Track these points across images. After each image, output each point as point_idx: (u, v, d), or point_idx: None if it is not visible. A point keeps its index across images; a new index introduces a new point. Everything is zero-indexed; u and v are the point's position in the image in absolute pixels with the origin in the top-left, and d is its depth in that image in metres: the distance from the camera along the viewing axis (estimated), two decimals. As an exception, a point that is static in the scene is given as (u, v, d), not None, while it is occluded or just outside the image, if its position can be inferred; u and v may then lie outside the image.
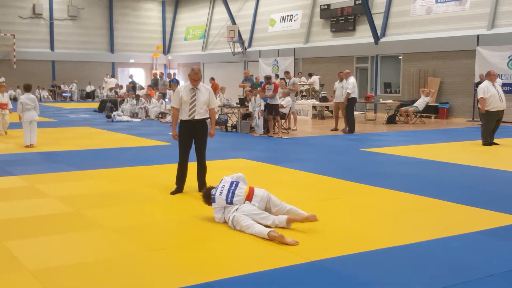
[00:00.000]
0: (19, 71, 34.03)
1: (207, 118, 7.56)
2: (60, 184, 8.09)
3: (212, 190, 5.95)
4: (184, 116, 7.39)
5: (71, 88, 36.17)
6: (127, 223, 5.99)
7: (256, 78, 21.10)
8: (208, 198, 5.97)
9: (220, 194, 5.82)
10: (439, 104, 21.56)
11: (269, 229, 5.31)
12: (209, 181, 7.26)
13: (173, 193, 7.43)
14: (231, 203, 5.77)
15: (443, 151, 12.10)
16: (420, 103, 19.31)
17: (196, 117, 7.35)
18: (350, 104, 15.54)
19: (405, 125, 18.49)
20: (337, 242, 5.29)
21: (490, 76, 12.79)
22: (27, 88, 12.41)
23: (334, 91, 16.34)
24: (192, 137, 7.49)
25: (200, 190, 7.37)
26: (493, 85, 12.71)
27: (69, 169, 9.35)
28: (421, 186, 7.99)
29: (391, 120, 19.03)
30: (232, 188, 5.85)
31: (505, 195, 7.42)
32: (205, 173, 7.56)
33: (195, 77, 7.32)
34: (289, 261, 4.68)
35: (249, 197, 5.83)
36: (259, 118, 14.87)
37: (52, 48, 36.52)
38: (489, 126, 12.69)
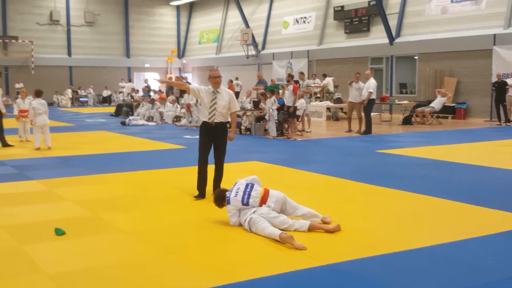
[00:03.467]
0: (37, 77, 34.39)
1: (227, 122, 7.49)
2: (77, 188, 8.18)
3: (226, 192, 5.99)
4: (204, 118, 7.37)
5: (89, 93, 36.43)
6: (144, 227, 6.04)
7: (272, 80, 21.12)
8: (221, 200, 6.00)
9: (235, 196, 5.85)
10: (456, 104, 21.37)
11: (280, 231, 5.32)
12: (224, 184, 7.28)
13: (197, 198, 7.34)
14: (246, 204, 5.79)
15: (460, 152, 12.00)
16: (437, 104, 19.15)
17: (215, 121, 7.29)
18: (369, 104, 15.54)
19: (421, 126, 18.37)
20: (351, 244, 5.28)
21: None
22: (38, 94, 12.91)
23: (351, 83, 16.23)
24: (211, 140, 7.42)
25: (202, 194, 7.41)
26: None
27: (87, 173, 9.45)
28: (438, 187, 7.94)
29: (407, 121, 18.92)
30: (248, 190, 5.88)
31: (523, 196, 7.35)
32: (222, 178, 7.51)
33: (215, 74, 7.27)
34: (304, 264, 4.69)
35: (264, 198, 5.86)
36: (269, 120, 14.91)
37: (69, 53, 36.92)
38: None
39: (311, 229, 5.59)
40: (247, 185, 5.97)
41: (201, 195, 7.40)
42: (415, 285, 4.24)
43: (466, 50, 21.48)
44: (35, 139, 12.66)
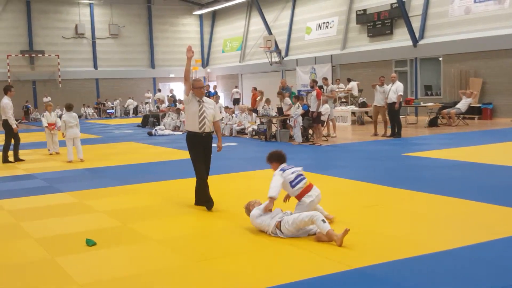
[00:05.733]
0: (65, 90, 35.11)
1: (213, 132, 7.46)
2: (107, 199, 8.34)
3: (285, 164, 6.23)
4: (194, 128, 7.25)
5: (117, 105, 36.92)
6: (174, 235, 6.14)
7: (290, 86, 21.21)
8: (279, 159, 6.23)
9: (292, 173, 6.08)
10: (482, 105, 21.09)
11: (329, 227, 5.44)
12: (252, 192, 7.34)
13: (211, 208, 7.29)
14: (293, 187, 6.01)
15: (488, 153, 11.86)
16: (462, 105, 18.96)
17: (206, 130, 7.26)
18: (398, 107, 15.51)
19: (448, 127, 18.19)
20: (379, 248, 5.29)
21: None
22: (69, 108, 13.14)
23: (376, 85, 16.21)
24: (202, 150, 7.32)
25: (200, 203, 7.36)
26: None
27: (115, 184, 9.61)
28: (465, 189, 7.89)
29: (433, 123, 18.76)
30: (300, 177, 6.12)
31: (552, 196, 7.24)
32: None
33: (201, 84, 7.28)
34: (332, 269, 4.72)
35: (308, 188, 6.09)
36: (295, 126, 14.94)
37: (95, 66, 37.56)
38: None
39: (327, 235, 5.46)
40: (300, 174, 6.17)
41: (210, 204, 7.30)
42: (443, 287, 4.25)
43: (490, 50, 21.21)
44: (68, 152, 12.86)
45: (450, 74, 22.75)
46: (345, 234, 5.37)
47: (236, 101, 30.72)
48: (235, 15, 38.40)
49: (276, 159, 6.27)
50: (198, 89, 7.25)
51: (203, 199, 7.37)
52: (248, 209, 6.18)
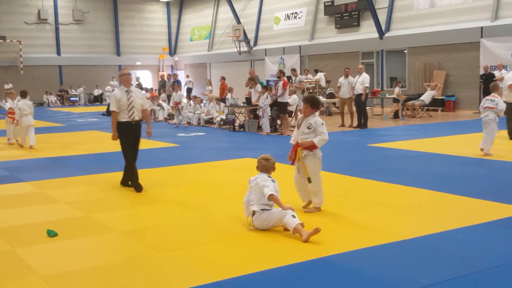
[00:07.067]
0: (27, 77, 34.23)
1: (142, 120, 7.85)
2: (69, 189, 8.17)
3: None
4: (124, 117, 7.61)
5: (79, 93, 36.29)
6: (137, 226, 6.06)
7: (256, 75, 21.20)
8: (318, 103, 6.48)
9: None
10: (446, 97, 21.50)
11: (298, 222, 5.32)
12: (217, 181, 7.30)
13: (140, 190, 7.73)
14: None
15: (450, 144, 12.09)
16: (426, 97, 19.29)
17: (135, 118, 7.65)
18: (365, 99, 15.68)
19: (412, 119, 18.48)
20: (344, 238, 5.34)
21: None
22: (24, 95, 13.07)
23: (339, 87, 16.40)
24: (132, 138, 7.76)
25: (126, 184, 7.89)
26: None
27: (78, 174, 9.43)
28: (429, 179, 8.02)
29: (398, 115, 19.02)
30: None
31: (512, 187, 7.43)
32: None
33: (126, 72, 7.74)
34: (297, 258, 4.74)
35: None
36: (263, 116, 14.95)
37: (58, 53, 36.71)
38: None
39: (295, 230, 5.38)
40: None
41: (139, 187, 7.77)
42: (405, 275, 4.30)
43: (454, 43, 21.61)
44: (22, 139, 12.96)
45: (415, 66, 23.10)
46: (314, 233, 5.21)
47: (189, 90, 30.41)
48: (203, 3, 38.05)
49: (319, 106, 6.55)
50: (123, 76, 7.73)
51: (132, 183, 7.86)
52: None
